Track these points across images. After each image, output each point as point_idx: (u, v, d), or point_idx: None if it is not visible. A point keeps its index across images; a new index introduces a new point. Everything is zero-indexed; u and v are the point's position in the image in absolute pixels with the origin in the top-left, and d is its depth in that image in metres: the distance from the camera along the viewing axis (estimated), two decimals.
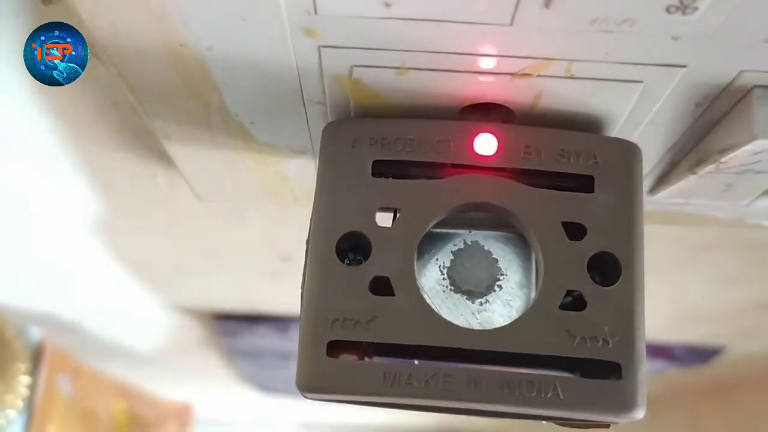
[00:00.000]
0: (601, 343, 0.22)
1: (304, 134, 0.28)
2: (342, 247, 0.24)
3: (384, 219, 0.24)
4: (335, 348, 0.23)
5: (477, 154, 0.24)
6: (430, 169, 0.24)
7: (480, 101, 0.24)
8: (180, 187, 0.38)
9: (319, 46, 0.22)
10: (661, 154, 0.28)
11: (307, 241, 0.24)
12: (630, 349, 0.22)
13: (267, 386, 1.19)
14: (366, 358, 0.23)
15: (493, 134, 0.24)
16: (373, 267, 0.23)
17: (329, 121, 0.26)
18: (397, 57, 0.22)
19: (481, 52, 0.22)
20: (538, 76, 0.23)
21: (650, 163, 0.28)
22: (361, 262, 0.23)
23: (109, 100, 0.32)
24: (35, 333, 0.75)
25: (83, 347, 0.85)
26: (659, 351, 0.72)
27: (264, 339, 0.80)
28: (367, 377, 0.22)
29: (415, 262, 0.25)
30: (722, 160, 0.25)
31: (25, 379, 0.73)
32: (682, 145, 0.27)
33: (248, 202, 0.38)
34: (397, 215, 0.24)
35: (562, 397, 0.22)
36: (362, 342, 0.23)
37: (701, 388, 0.91)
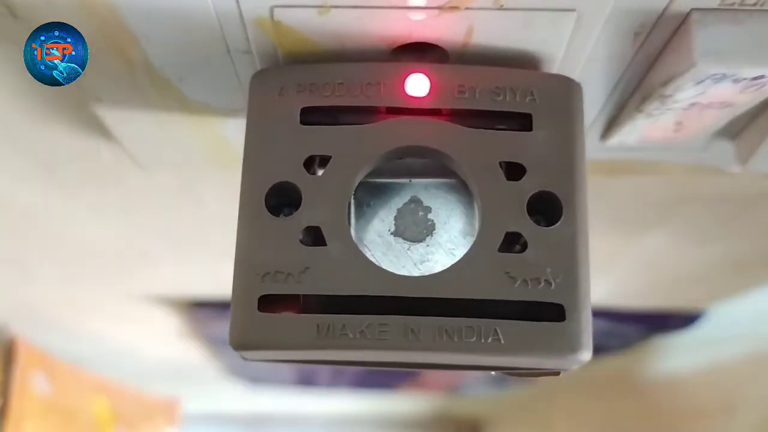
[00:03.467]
0: (542, 284, 0.21)
1: (236, 90, 0.26)
2: (274, 201, 0.23)
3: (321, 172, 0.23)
4: (268, 303, 0.22)
5: (409, 96, 0.23)
6: (360, 114, 0.23)
7: (410, 41, 0.23)
8: (126, 161, 0.37)
9: None
10: (606, 95, 0.27)
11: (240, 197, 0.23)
12: (573, 289, 0.21)
13: (254, 377, 1.18)
14: (307, 314, 0.23)
15: (425, 74, 0.23)
16: (303, 217, 0.22)
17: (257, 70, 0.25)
18: None
19: None
20: (467, 8, 0.22)
21: (597, 105, 0.28)
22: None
23: None
24: (6, 330, 0.73)
25: (59, 344, 0.84)
26: (637, 317, 0.71)
27: None
28: (301, 331, 0.21)
29: (354, 215, 0.25)
30: (666, 93, 0.24)
31: None
32: (626, 82, 0.26)
33: (197, 172, 0.37)
34: (328, 163, 0.23)
35: (503, 341, 0.21)
36: (298, 296, 0.22)
37: None
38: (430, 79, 0.23)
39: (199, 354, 0.97)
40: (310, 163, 0.23)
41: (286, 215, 0.23)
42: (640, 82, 0.26)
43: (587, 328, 0.21)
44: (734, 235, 0.50)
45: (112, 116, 0.29)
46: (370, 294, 0.22)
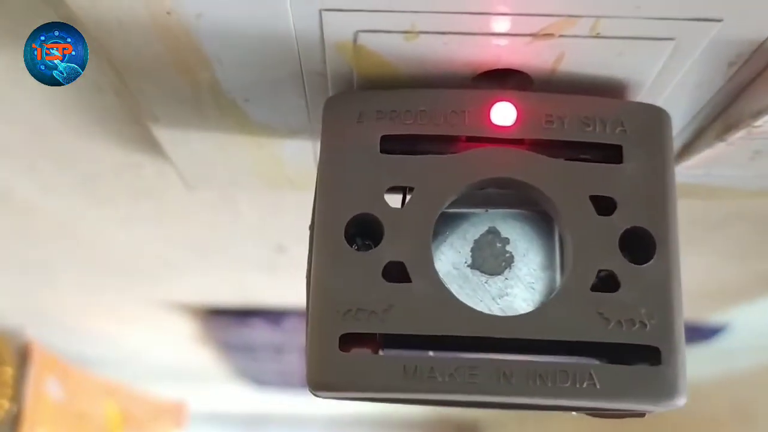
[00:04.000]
0: (637, 325, 0.21)
1: (302, 111, 0.25)
2: (350, 232, 0.22)
3: (393, 201, 0.22)
4: (348, 342, 0.21)
5: (494, 125, 0.22)
6: (443, 144, 0.22)
7: (495, 67, 0.22)
8: (168, 176, 0.36)
9: (320, 10, 0.20)
10: (686, 121, 0.26)
11: (311, 227, 0.22)
12: (669, 331, 0.21)
13: (261, 380, 1.18)
14: (380, 351, 0.22)
15: (512, 102, 0.22)
16: (386, 252, 0.21)
17: (330, 95, 0.24)
18: (407, 19, 0.20)
19: (498, 11, 0.20)
20: (561, 36, 0.21)
21: (674, 131, 0.27)
22: (370, 248, 0.21)
23: (92, 85, 0.29)
24: (22, 335, 0.72)
25: (72, 348, 0.83)
26: None
27: (257, 332, 0.78)
28: (386, 372, 0.20)
29: None
30: (755, 124, 0.23)
31: (11, 382, 0.70)
32: (710, 109, 0.25)
33: (240, 189, 0.36)
34: (409, 195, 0.22)
35: (598, 386, 0.20)
36: (377, 335, 0.21)
37: None
38: (516, 108, 0.22)
39: (208, 357, 0.96)
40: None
41: (359, 247, 0.22)
42: (725, 110, 0.25)
43: (683, 371, 0.21)
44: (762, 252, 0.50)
45: (167, 136, 0.28)
46: (458, 334, 0.21)
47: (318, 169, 0.22)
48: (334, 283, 0.21)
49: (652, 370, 0.20)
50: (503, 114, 0.22)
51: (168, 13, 0.20)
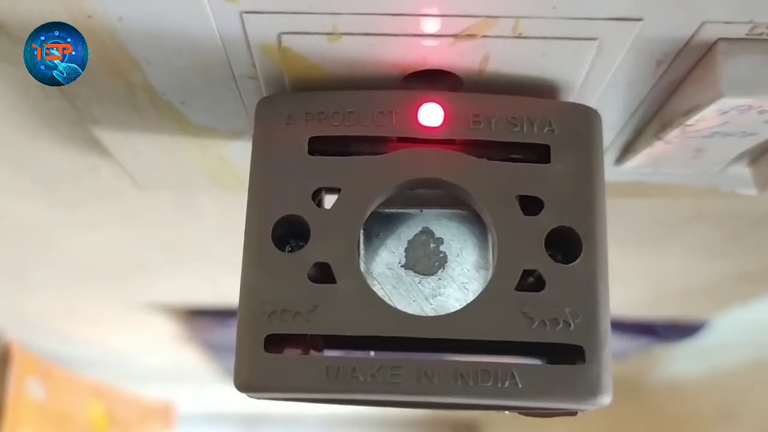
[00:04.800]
0: (561, 325, 0.21)
1: (240, 113, 0.26)
2: (280, 233, 0.22)
3: (330, 203, 0.22)
4: (275, 342, 0.21)
5: (422, 125, 0.22)
6: (372, 144, 0.22)
7: (423, 68, 0.22)
8: (125, 178, 0.36)
9: (241, 12, 0.20)
10: (624, 121, 0.26)
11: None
12: (593, 330, 0.21)
13: None
14: (312, 352, 0.22)
15: (439, 103, 0.22)
16: (312, 253, 0.21)
17: (263, 96, 0.24)
18: (328, 21, 0.20)
19: (419, 12, 0.20)
20: (483, 36, 0.21)
21: (614, 130, 0.27)
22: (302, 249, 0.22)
23: (38, 88, 0.29)
24: (1, 336, 0.72)
25: (56, 350, 0.83)
26: (641, 328, 0.70)
27: None
28: (309, 373, 0.20)
29: (362, 246, 0.24)
30: (688, 122, 0.23)
31: None
32: (645, 109, 0.25)
33: (197, 190, 0.36)
34: (336, 196, 0.22)
35: (520, 385, 0.20)
36: (306, 335, 0.21)
37: None
38: (444, 109, 0.22)
39: (195, 358, 0.96)
40: (317, 195, 0.22)
41: (292, 247, 0.22)
42: (660, 109, 0.25)
43: (607, 369, 0.21)
44: (742, 251, 0.50)
45: (110, 138, 0.28)
46: (382, 335, 0.21)
47: (249, 172, 0.22)
48: (260, 284, 0.21)
49: (576, 369, 0.20)
50: (430, 115, 0.22)
51: (89, 16, 0.20)
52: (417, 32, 0.21)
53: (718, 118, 0.23)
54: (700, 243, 0.47)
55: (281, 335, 0.21)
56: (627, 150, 0.28)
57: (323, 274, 0.21)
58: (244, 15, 0.20)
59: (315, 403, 0.22)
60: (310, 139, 0.22)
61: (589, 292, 0.21)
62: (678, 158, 0.27)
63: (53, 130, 0.32)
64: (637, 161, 0.28)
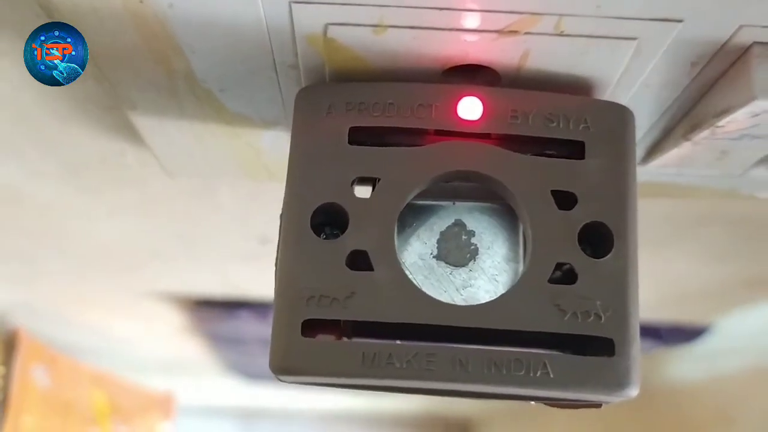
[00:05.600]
0: (592, 317, 0.21)
1: (276, 102, 0.26)
2: (318, 220, 0.22)
3: (363, 192, 0.23)
4: (311, 327, 0.21)
5: (461, 119, 0.22)
6: (411, 136, 0.22)
7: (463, 63, 0.23)
8: (150, 165, 0.36)
9: (290, 2, 0.20)
10: (653, 120, 0.26)
11: (281, 216, 0.23)
12: (623, 323, 0.21)
13: (250, 373, 1.18)
14: (345, 339, 0.22)
15: (478, 98, 0.22)
16: (350, 241, 0.22)
17: (303, 86, 0.24)
18: (375, 13, 0.21)
19: (464, 7, 0.20)
20: (526, 33, 0.21)
21: (642, 130, 0.27)
22: (338, 236, 0.22)
23: None
24: (9, 322, 0.73)
25: (61, 337, 0.83)
26: (644, 330, 0.71)
27: (246, 325, 0.78)
28: (345, 358, 0.21)
29: (396, 236, 0.24)
30: (719, 124, 0.24)
31: None
32: (676, 109, 0.26)
33: (220, 179, 0.37)
34: (376, 186, 0.22)
35: (552, 375, 0.20)
36: (340, 321, 0.22)
37: None
38: (483, 103, 0.22)
39: (197, 349, 0.96)
40: (353, 184, 0.22)
41: (327, 235, 0.22)
42: (690, 109, 0.25)
43: (636, 363, 0.21)
44: (750, 255, 0.50)
45: (145, 123, 0.28)
46: (418, 322, 0.21)
47: (288, 160, 0.23)
48: (298, 270, 0.22)
49: (606, 361, 0.21)
50: (470, 108, 0.22)
51: (141, 1, 0.21)
52: (461, 27, 0.21)
53: (749, 120, 0.23)
54: (709, 246, 0.48)
55: (317, 320, 0.21)
56: (653, 150, 0.28)
57: (360, 261, 0.22)
58: (293, 5, 0.20)
59: (349, 389, 0.22)
60: (350, 129, 0.22)
61: (620, 287, 0.21)
62: (703, 159, 0.28)
63: (84, 114, 0.33)
64: (662, 161, 0.29)
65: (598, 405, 0.23)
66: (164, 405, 1.12)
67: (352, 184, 0.22)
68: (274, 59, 0.23)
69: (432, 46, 0.22)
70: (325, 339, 0.22)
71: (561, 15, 0.20)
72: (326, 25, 0.21)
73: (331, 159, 0.22)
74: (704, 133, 0.25)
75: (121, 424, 0.96)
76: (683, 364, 0.91)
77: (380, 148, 0.22)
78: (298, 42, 0.22)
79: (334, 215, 0.22)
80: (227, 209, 0.44)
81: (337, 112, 0.22)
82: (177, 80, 0.25)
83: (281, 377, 0.22)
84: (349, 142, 0.22)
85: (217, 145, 0.30)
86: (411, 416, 1.79)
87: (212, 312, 0.75)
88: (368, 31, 0.21)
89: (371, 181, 0.23)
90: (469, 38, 0.22)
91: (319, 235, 0.22)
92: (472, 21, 0.21)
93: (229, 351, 0.97)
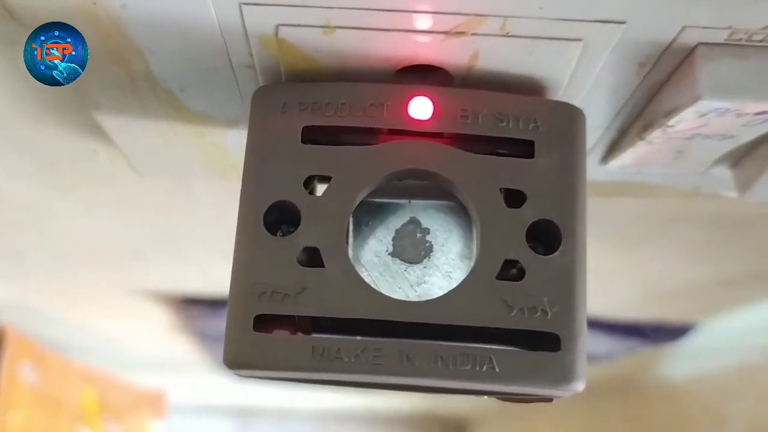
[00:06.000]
0: (539, 313, 0.21)
1: (236, 102, 0.26)
2: (272, 218, 0.22)
3: (322, 191, 0.23)
4: (264, 322, 0.22)
5: (412, 118, 0.23)
6: (363, 135, 0.23)
7: (414, 63, 0.23)
8: (122, 163, 0.37)
9: (240, 3, 0.21)
10: (609, 121, 0.27)
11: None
12: (569, 319, 0.21)
13: None
14: (301, 335, 0.22)
15: (429, 97, 0.23)
16: (302, 237, 0.22)
17: (260, 86, 0.25)
18: (323, 14, 0.21)
19: (410, 8, 0.21)
20: (473, 34, 0.22)
21: (599, 130, 0.28)
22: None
23: None
24: None
25: (49, 335, 0.83)
26: (629, 329, 0.71)
27: None
28: (295, 352, 0.21)
29: (352, 234, 0.24)
30: (668, 123, 0.24)
31: None
32: (629, 110, 0.26)
33: (193, 178, 0.37)
34: (327, 184, 0.23)
35: (497, 369, 0.21)
36: (295, 317, 0.22)
37: None
38: (433, 103, 0.23)
39: (188, 347, 0.97)
40: (308, 182, 0.23)
41: (283, 233, 0.23)
42: (643, 109, 0.26)
43: (582, 357, 0.21)
44: (726, 254, 0.51)
45: (110, 123, 0.29)
46: (366, 317, 0.21)
47: (244, 158, 0.23)
48: (251, 266, 0.22)
49: (552, 356, 0.21)
50: (420, 108, 0.23)
51: (93, 2, 0.21)
52: (408, 28, 0.22)
53: (697, 120, 0.24)
54: (685, 245, 0.48)
55: (270, 316, 0.22)
56: (612, 149, 0.29)
57: (312, 258, 0.22)
58: (243, 6, 0.21)
59: (301, 384, 0.23)
60: (303, 128, 0.23)
61: (567, 283, 0.22)
62: (660, 159, 0.28)
63: (55, 114, 0.33)
64: (621, 161, 0.29)
65: (549, 399, 0.23)
66: (155, 403, 1.12)
67: (307, 182, 0.23)
68: (230, 59, 0.24)
69: (381, 47, 0.22)
70: (280, 334, 0.22)
71: (505, 17, 0.21)
72: (277, 26, 0.22)
73: (285, 157, 0.23)
74: (656, 133, 0.25)
75: (111, 422, 0.96)
76: (671, 363, 0.91)
77: (333, 146, 0.23)
78: (251, 42, 0.23)
79: (287, 213, 0.22)
80: (205, 207, 0.44)
81: (290, 112, 0.23)
82: (137, 80, 0.25)
83: (234, 371, 0.22)
84: (303, 141, 0.23)
85: (182, 144, 0.30)
86: (407, 416, 1.80)
87: (199, 310, 0.75)
88: (318, 32, 0.22)
89: (327, 180, 0.23)
90: (418, 39, 0.22)
91: (275, 233, 0.22)
92: (418, 22, 0.21)
93: (218, 349, 0.97)
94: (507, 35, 0.22)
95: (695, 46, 0.22)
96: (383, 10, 0.21)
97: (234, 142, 0.30)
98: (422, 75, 0.24)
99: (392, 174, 0.23)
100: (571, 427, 1.19)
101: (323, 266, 0.22)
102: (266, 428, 1.77)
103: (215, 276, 0.64)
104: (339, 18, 0.21)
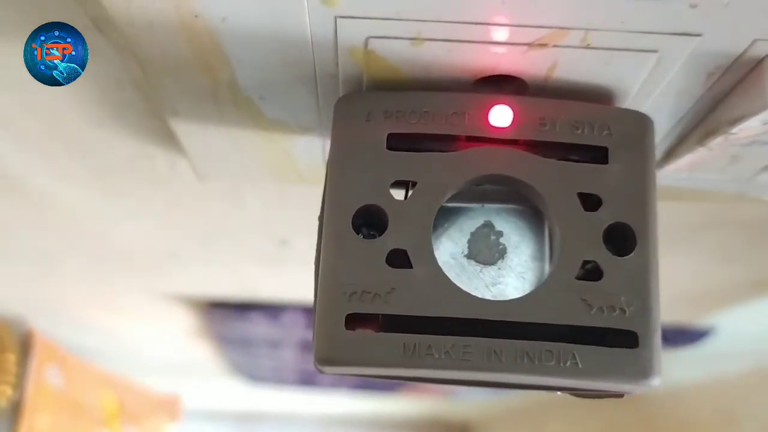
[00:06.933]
0: (617, 312, 0.22)
1: (313, 109, 0.27)
2: (357, 221, 0.23)
3: (398, 195, 0.24)
4: (353, 321, 0.23)
5: (492, 126, 0.24)
6: (445, 142, 0.24)
7: (494, 73, 0.24)
8: (179, 169, 0.38)
9: (336, 17, 0.22)
10: (670, 127, 0.28)
11: (320, 217, 0.24)
12: (646, 317, 0.23)
13: (255, 376, 1.19)
14: (381, 333, 0.23)
15: (509, 106, 0.24)
16: (390, 240, 0.23)
17: (340, 95, 0.26)
18: (414, 27, 0.22)
19: (496, 22, 0.22)
20: (554, 46, 0.23)
21: (659, 136, 0.29)
22: (375, 237, 0.23)
23: (111, 79, 0.31)
24: (24, 323, 0.74)
25: (72, 338, 0.84)
26: None
27: (256, 326, 0.80)
28: (387, 349, 0.22)
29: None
30: (732, 131, 0.25)
31: (14, 369, 0.72)
32: (691, 117, 0.27)
33: (248, 182, 0.38)
34: (412, 189, 0.24)
35: (580, 366, 0.22)
36: (379, 316, 0.23)
37: None
38: (513, 111, 0.24)
39: (205, 352, 0.97)
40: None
41: (365, 236, 0.24)
42: (705, 117, 0.27)
43: (658, 354, 0.22)
44: (756, 256, 0.52)
45: (185, 129, 0.30)
46: (454, 316, 0.22)
47: (328, 164, 0.24)
48: (341, 267, 0.23)
49: (630, 353, 0.22)
50: (500, 116, 0.24)
51: (196, 16, 0.22)
52: (493, 40, 0.23)
53: (762, 127, 0.25)
54: (716, 247, 0.49)
55: (360, 315, 0.23)
56: (669, 155, 0.30)
57: (399, 259, 0.23)
58: (339, 19, 0.22)
59: (389, 380, 0.24)
60: (388, 135, 0.24)
61: (643, 283, 0.23)
62: (715, 164, 0.29)
63: (119, 119, 0.34)
64: (676, 166, 0.30)
65: (620, 395, 0.24)
66: (171, 407, 1.13)
67: (391, 187, 0.24)
68: (315, 69, 0.25)
69: (465, 58, 0.23)
70: (369, 332, 0.23)
71: (588, 29, 0.22)
72: (367, 38, 0.23)
73: (371, 163, 0.24)
74: (718, 140, 0.26)
75: (129, 426, 0.97)
76: (686, 366, 0.92)
77: (417, 153, 0.24)
78: (339, 53, 0.24)
79: (373, 216, 0.23)
80: (250, 211, 0.45)
81: (375, 120, 0.24)
82: (220, 89, 0.26)
83: (325, 368, 0.23)
84: (388, 148, 0.24)
85: (251, 150, 0.31)
86: (412, 419, 1.80)
87: (223, 313, 0.76)
88: (406, 43, 0.23)
89: (405, 185, 0.24)
90: (500, 50, 0.23)
91: (357, 235, 0.23)
92: (503, 35, 0.22)
93: (235, 353, 0.98)
94: (587, 47, 0.23)
95: (763, 58, 0.23)
96: (472, 23, 0.22)
97: (302, 148, 0.31)
98: (498, 84, 0.25)
99: (475, 179, 0.24)
100: (581, 430, 1.20)
101: (411, 267, 0.23)
102: None
103: (246, 280, 0.65)
104: (429, 30, 0.22)
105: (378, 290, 0.23)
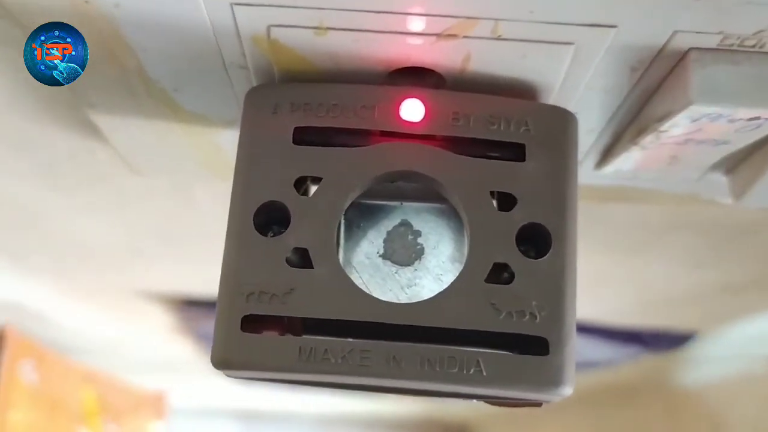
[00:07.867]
0: (527, 317, 0.21)
1: (231, 102, 0.26)
2: (262, 218, 0.22)
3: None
4: (252, 323, 0.22)
5: (403, 120, 0.23)
6: (354, 137, 0.23)
7: (406, 65, 0.23)
8: (121, 163, 0.37)
9: (231, 4, 0.21)
10: (603, 125, 0.27)
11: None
12: (558, 323, 0.21)
13: None
14: (290, 336, 0.22)
15: (420, 99, 0.23)
16: (291, 238, 0.22)
17: (253, 86, 0.25)
18: (315, 15, 0.21)
19: (401, 10, 0.21)
20: (465, 36, 0.22)
21: (593, 134, 0.28)
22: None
23: None
24: None
25: (49, 336, 0.83)
26: (628, 336, 0.71)
27: None
28: (282, 353, 0.21)
29: (343, 235, 0.25)
30: (661, 128, 0.24)
31: None
32: (623, 114, 0.26)
33: (191, 178, 0.37)
34: (317, 185, 0.23)
35: (485, 373, 0.21)
36: (284, 319, 0.22)
37: None
38: (425, 105, 0.23)
39: (189, 349, 0.97)
40: (300, 183, 0.23)
41: (274, 233, 0.23)
42: (637, 114, 0.26)
43: (570, 362, 0.21)
44: (725, 261, 0.50)
45: (106, 122, 0.29)
46: (354, 319, 0.21)
47: (236, 158, 0.23)
48: (240, 266, 0.22)
49: (540, 360, 0.21)
50: (412, 110, 0.23)
51: (86, 1, 0.21)
52: (400, 30, 0.22)
53: (690, 125, 0.24)
54: (684, 251, 0.48)
55: (258, 316, 0.22)
56: (607, 154, 0.29)
57: (301, 259, 0.22)
58: (234, 6, 0.21)
59: (290, 385, 0.23)
60: (294, 128, 0.23)
61: (556, 287, 0.22)
62: (655, 164, 0.28)
63: (52, 113, 0.33)
64: (616, 166, 0.29)
65: (538, 404, 0.23)
66: (155, 404, 1.12)
67: (298, 183, 0.23)
68: (223, 60, 0.24)
69: (374, 49, 0.22)
70: (269, 335, 0.22)
71: (497, 19, 0.21)
72: (269, 27, 0.22)
73: (276, 158, 0.23)
74: (650, 138, 0.25)
75: (110, 422, 0.96)
76: (675, 370, 0.91)
77: (323, 147, 0.23)
78: (244, 43, 0.23)
79: (277, 213, 0.22)
80: (204, 208, 0.44)
81: (282, 112, 0.23)
82: (131, 79, 0.25)
83: (222, 371, 0.22)
84: (294, 142, 0.23)
85: (178, 144, 0.30)
86: (409, 419, 1.79)
87: (200, 311, 0.75)
88: (310, 33, 0.22)
89: (318, 181, 0.23)
90: (410, 41, 0.22)
91: (265, 234, 0.22)
92: (410, 24, 0.21)
93: None
94: (499, 38, 0.22)
95: (687, 51, 0.22)
96: (375, 11, 0.21)
97: (229, 141, 0.30)
98: (414, 77, 0.24)
99: (382, 176, 0.23)
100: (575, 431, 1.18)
101: (312, 267, 0.22)
102: (268, 431, 1.77)
103: (215, 277, 0.64)
104: (331, 19, 0.21)
105: (276, 291, 0.22)
